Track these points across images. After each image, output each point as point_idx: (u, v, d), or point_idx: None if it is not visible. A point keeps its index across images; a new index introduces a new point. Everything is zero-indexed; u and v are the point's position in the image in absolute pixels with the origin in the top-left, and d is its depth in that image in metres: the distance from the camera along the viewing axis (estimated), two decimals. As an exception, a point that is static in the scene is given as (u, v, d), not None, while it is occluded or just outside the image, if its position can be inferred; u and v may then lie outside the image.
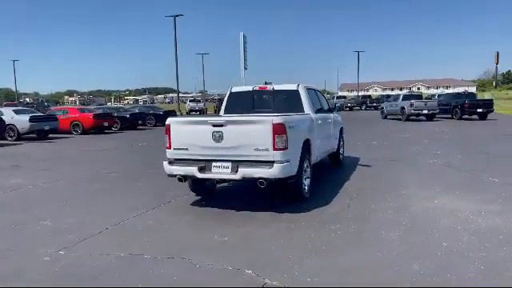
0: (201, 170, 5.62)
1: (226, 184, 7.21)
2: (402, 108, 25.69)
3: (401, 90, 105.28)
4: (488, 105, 24.89)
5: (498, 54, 40.26)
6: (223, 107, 7.61)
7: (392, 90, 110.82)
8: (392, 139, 15.15)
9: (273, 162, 5.28)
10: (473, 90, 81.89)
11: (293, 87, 7.15)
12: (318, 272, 3.64)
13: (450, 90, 78.69)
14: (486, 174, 7.78)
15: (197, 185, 6.42)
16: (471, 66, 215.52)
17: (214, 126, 5.51)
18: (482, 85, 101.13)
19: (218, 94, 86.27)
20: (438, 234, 4.55)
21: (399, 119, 26.05)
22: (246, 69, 51.15)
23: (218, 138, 5.47)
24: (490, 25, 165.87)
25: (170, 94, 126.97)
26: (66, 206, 6.30)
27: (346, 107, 46.63)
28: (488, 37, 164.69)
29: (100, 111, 22.88)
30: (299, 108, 6.92)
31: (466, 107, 24.48)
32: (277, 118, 5.31)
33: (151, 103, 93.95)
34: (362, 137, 15.83)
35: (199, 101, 51.42)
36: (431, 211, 5.46)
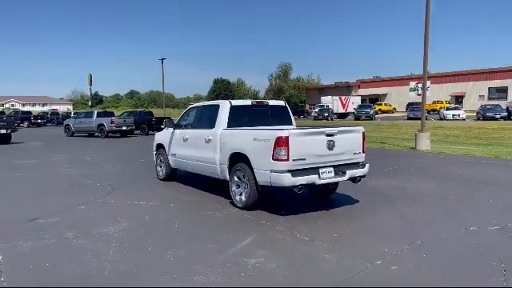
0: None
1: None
2: (100, 125, 25.74)
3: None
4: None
5: (90, 76, 46.73)
6: (225, 119, 7.19)
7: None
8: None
9: (359, 163, 6.58)
10: (70, 107, 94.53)
11: (282, 103, 8.11)
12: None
13: (47, 108, 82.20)
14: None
15: (260, 197, 6.32)
16: (60, 86, 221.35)
17: (328, 135, 6.12)
18: (76, 103, 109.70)
19: None
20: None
21: (92, 136, 26.40)
22: None
23: (332, 145, 6.13)
24: (82, 47, 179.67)
25: None
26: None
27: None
28: (78, 60, 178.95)
29: None
30: (289, 121, 7.89)
31: (154, 123, 27.97)
32: (362, 128, 6.67)
33: None
34: (107, 157, 15.78)
35: None
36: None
